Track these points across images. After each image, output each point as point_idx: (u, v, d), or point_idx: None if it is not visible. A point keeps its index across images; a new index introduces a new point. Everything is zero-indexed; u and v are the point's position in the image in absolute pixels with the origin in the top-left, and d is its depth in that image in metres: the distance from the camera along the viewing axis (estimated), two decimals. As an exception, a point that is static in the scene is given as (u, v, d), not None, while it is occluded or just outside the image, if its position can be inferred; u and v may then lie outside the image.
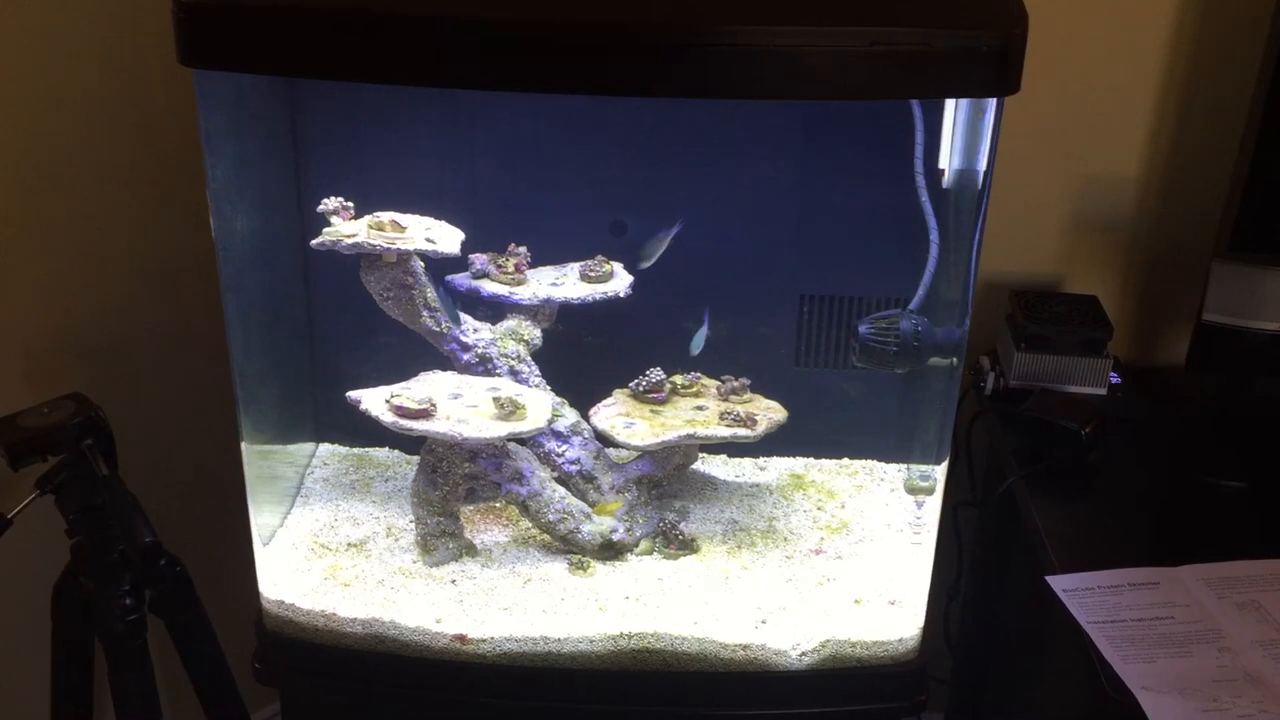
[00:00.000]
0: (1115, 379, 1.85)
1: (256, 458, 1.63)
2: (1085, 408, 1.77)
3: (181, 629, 1.66)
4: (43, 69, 1.66)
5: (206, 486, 1.81)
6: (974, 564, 1.95)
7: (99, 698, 1.67)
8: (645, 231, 1.74)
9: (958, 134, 1.47)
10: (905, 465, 1.83)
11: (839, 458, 1.90)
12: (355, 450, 1.93)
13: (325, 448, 1.94)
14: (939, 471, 1.60)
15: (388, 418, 1.56)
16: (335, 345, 1.84)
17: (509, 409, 1.58)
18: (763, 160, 1.72)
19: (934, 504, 1.60)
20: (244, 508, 1.61)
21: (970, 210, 1.46)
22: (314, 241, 1.59)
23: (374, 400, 1.59)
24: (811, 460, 1.90)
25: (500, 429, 1.57)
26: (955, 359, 1.53)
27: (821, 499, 1.82)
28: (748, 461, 1.90)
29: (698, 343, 1.70)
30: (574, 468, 1.71)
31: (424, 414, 1.56)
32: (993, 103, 1.35)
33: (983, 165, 1.40)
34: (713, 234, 1.76)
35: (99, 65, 1.71)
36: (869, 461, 1.90)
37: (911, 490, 1.77)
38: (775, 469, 1.89)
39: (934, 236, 1.56)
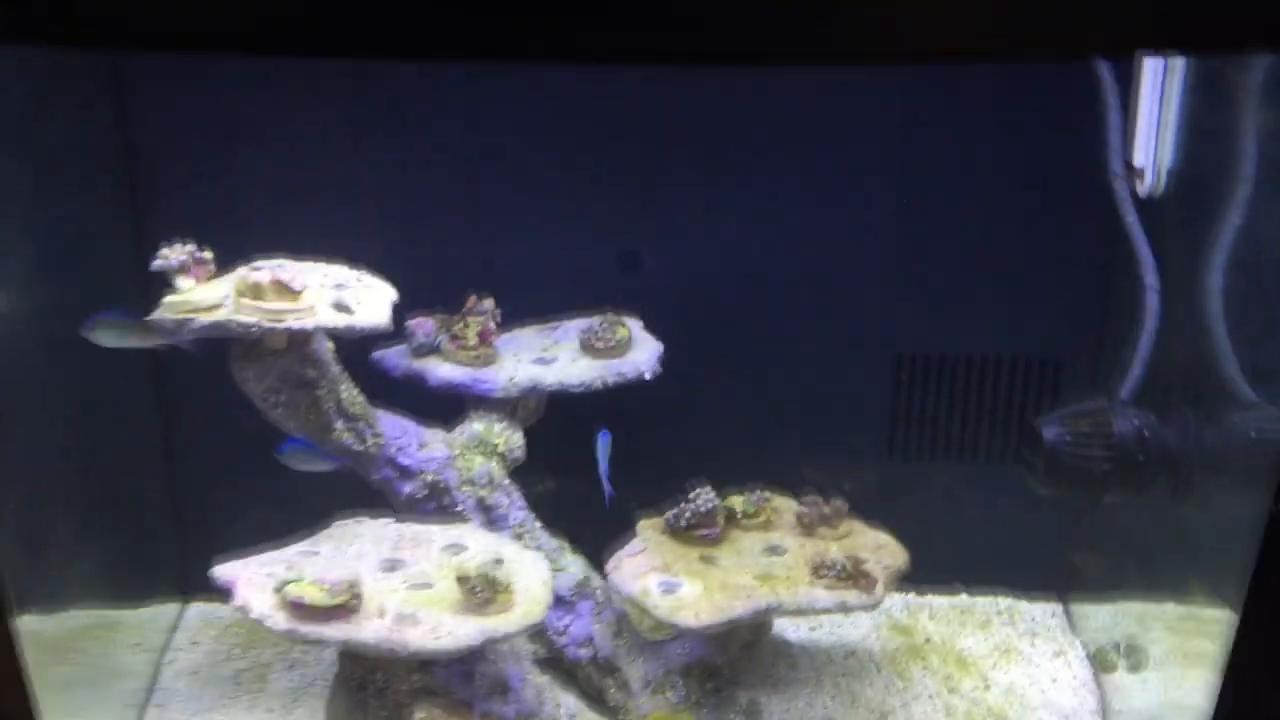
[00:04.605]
0: None
1: (71, 640, 1.00)
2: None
3: None
4: None
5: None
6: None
7: None
8: (667, 267, 1.15)
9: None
10: (1110, 640, 1.22)
11: (945, 583, 1.31)
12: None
13: (196, 611, 1.30)
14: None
15: (281, 623, 0.92)
16: (204, 469, 1.21)
17: (484, 592, 0.95)
18: (846, 170, 1.16)
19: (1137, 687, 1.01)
20: None
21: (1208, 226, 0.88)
22: (150, 318, 0.95)
23: (254, 587, 0.96)
24: (913, 596, 1.30)
25: (472, 631, 0.93)
26: (1227, 477, 0.94)
27: (951, 672, 1.22)
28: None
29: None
30: (584, 652, 1.10)
31: (342, 612, 0.93)
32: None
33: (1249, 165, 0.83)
34: (771, 265, 1.19)
35: None
36: (1001, 599, 1.31)
37: (1104, 664, 1.17)
38: (866, 616, 1.28)
39: (1150, 278, 0.97)
